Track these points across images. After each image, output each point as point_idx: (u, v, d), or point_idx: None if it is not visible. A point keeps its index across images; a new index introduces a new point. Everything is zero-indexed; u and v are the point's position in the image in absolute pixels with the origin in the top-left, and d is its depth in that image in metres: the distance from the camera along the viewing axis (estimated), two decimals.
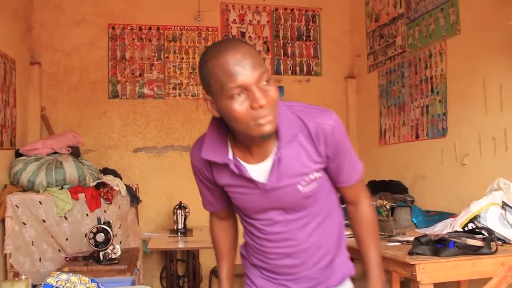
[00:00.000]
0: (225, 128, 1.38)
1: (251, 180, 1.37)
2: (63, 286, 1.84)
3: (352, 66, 4.93)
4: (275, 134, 1.33)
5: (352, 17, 4.91)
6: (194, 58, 4.57)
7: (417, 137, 3.79)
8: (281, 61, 4.80)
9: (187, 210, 3.98)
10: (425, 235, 2.10)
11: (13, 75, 3.67)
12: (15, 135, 3.70)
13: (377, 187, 3.93)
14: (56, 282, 1.87)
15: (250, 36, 4.71)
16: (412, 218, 2.93)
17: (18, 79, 3.76)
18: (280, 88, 4.72)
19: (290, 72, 4.82)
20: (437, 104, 3.52)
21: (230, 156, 1.39)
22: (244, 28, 4.71)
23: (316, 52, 4.89)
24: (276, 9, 4.80)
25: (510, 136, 2.84)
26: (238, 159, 1.38)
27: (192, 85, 4.55)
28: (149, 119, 4.46)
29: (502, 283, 1.97)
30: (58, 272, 1.98)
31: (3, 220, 3.20)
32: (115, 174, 3.91)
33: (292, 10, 4.83)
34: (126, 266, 2.64)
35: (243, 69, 1.21)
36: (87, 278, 1.95)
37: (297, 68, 4.85)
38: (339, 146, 1.41)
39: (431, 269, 1.94)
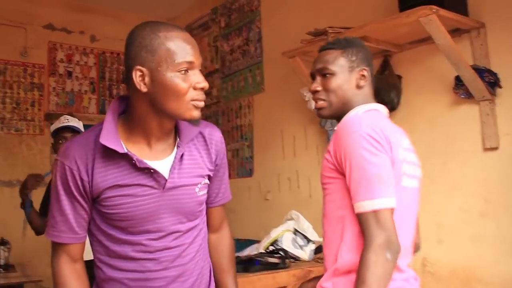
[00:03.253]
0: (117, 119, 1.30)
1: (151, 174, 1.27)
2: None
3: None
4: (176, 131, 1.35)
5: None
6: (19, 93, 4.54)
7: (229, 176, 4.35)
8: (106, 101, 5.01)
9: (8, 246, 3.91)
10: (238, 257, 2.58)
11: None
12: None
13: None
14: None
15: (77, 76, 4.86)
16: None
17: None
18: None
19: None
20: (245, 148, 4.15)
21: (124, 148, 1.26)
22: (72, 68, 4.84)
23: None
24: (103, 52, 5.03)
25: (301, 176, 3.56)
26: (133, 153, 1.26)
27: (15, 120, 4.49)
28: None
29: None
30: None
31: None
32: None
33: (118, 54, 5.10)
34: None
35: (194, 49, 1.24)
36: None
37: None
38: (224, 158, 1.46)
39: (242, 283, 2.38)
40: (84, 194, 1.26)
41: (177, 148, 1.33)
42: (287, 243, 2.79)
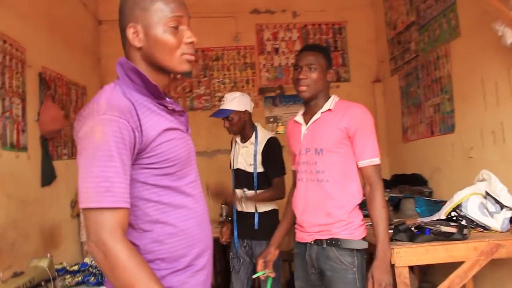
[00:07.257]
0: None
1: (181, 118, 1.24)
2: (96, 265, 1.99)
3: (378, 71, 4.81)
4: None
5: (375, 26, 4.79)
6: (235, 73, 4.69)
7: (432, 133, 3.65)
8: None
9: (226, 204, 4.08)
10: (404, 223, 2.04)
11: (84, 98, 3.97)
12: None
13: (398, 180, 3.84)
14: (91, 261, 2.03)
15: (283, 51, 4.75)
16: (416, 208, 2.84)
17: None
18: None
19: None
20: (446, 102, 3.38)
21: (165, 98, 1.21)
22: (278, 44, 4.75)
23: (344, 60, 4.83)
24: (305, 25, 4.79)
25: (507, 128, 2.69)
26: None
27: None
28: (199, 128, 4.61)
29: (475, 266, 1.88)
30: None
31: (78, 215, 3.49)
32: None
33: (320, 25, 4.80)
34: None
35: (181, 5, 1.18)
36: None
37: None
38: None
39: (405, 253, 1.89)
40: (133, 150, 1.08)
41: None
42: (473, 209, 2.11)
